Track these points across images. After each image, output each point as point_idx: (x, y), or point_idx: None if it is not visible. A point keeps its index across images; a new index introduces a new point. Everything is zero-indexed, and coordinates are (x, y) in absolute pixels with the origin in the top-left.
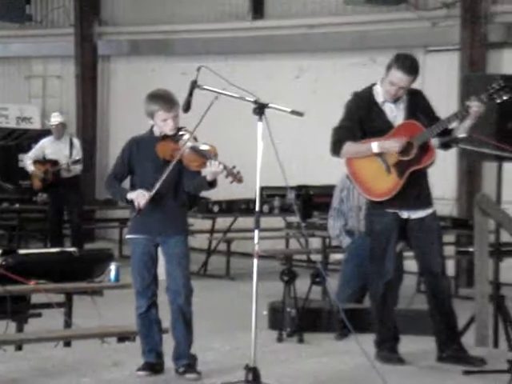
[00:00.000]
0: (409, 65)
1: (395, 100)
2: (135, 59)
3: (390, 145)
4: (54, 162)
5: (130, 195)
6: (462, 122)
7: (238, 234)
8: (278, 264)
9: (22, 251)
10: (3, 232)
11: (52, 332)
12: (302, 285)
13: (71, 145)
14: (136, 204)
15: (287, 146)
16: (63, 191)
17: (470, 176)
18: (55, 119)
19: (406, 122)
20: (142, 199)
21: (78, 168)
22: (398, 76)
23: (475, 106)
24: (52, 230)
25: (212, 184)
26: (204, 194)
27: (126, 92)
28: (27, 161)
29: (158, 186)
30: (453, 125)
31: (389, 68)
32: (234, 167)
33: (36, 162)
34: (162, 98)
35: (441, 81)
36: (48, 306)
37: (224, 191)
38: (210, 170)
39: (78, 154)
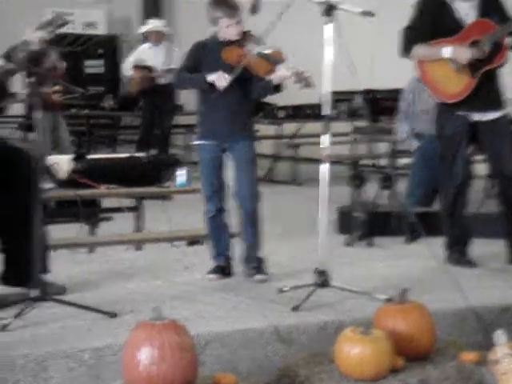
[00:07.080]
0: None
1: None
2: None
3: (461, 54)
4: (150, 69)
5: (211, 77)
6: None
7: (304, 140)
8: (344, 169)
9: (91, 156)
10: (73, 138)
11: (123, 236)
12: (369, 189)
13: (168, 52)
14: (218, 85)
15: (353, 49)
16: (158, 98)
17: None
18: (153, 25)
19: (478, 21)
20: (223, 80)
21: (170, 77)
22: None
23: None
24: (143, 134)
25: (277, 88)
26: (270, 99)
27: None
28: (127, 65)
29: (233, 77)
30: None
31: None
32: (303, 72)
33: (135, 66)
34: (224, 5)
35: None
36: (119, 210)
37: (289, 97)
38: (278, 75)
39: (173, 62)
